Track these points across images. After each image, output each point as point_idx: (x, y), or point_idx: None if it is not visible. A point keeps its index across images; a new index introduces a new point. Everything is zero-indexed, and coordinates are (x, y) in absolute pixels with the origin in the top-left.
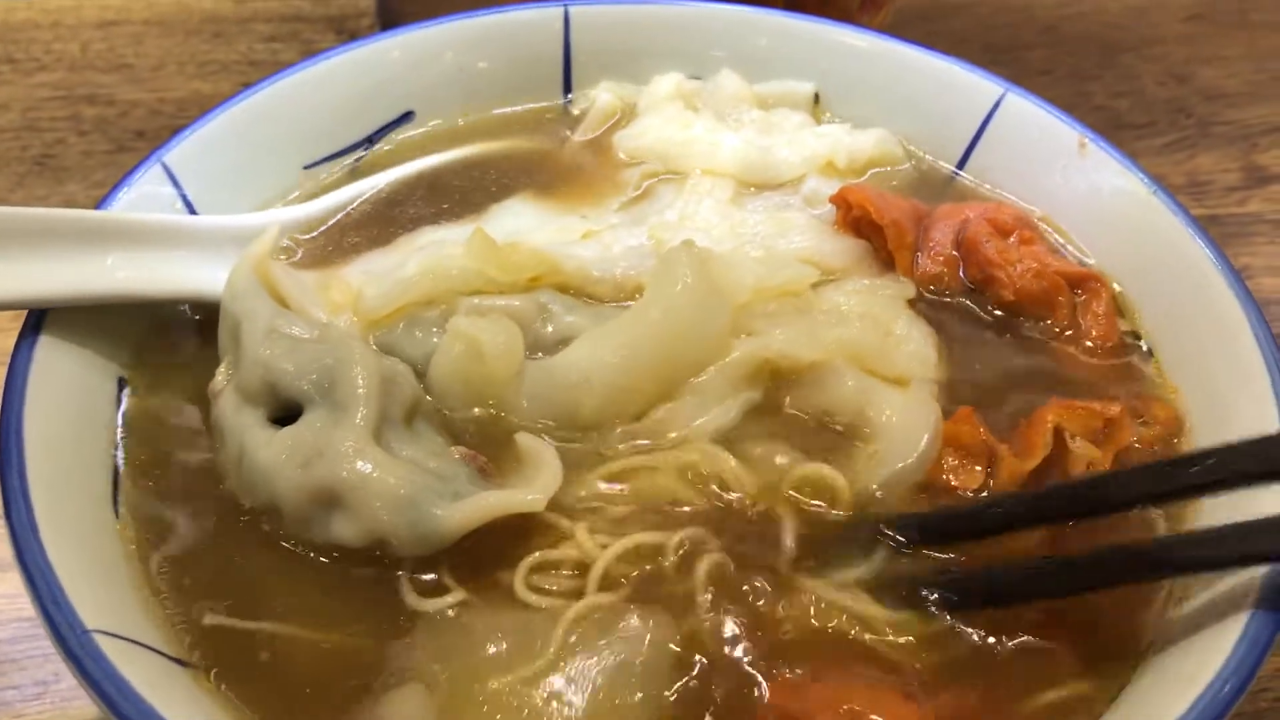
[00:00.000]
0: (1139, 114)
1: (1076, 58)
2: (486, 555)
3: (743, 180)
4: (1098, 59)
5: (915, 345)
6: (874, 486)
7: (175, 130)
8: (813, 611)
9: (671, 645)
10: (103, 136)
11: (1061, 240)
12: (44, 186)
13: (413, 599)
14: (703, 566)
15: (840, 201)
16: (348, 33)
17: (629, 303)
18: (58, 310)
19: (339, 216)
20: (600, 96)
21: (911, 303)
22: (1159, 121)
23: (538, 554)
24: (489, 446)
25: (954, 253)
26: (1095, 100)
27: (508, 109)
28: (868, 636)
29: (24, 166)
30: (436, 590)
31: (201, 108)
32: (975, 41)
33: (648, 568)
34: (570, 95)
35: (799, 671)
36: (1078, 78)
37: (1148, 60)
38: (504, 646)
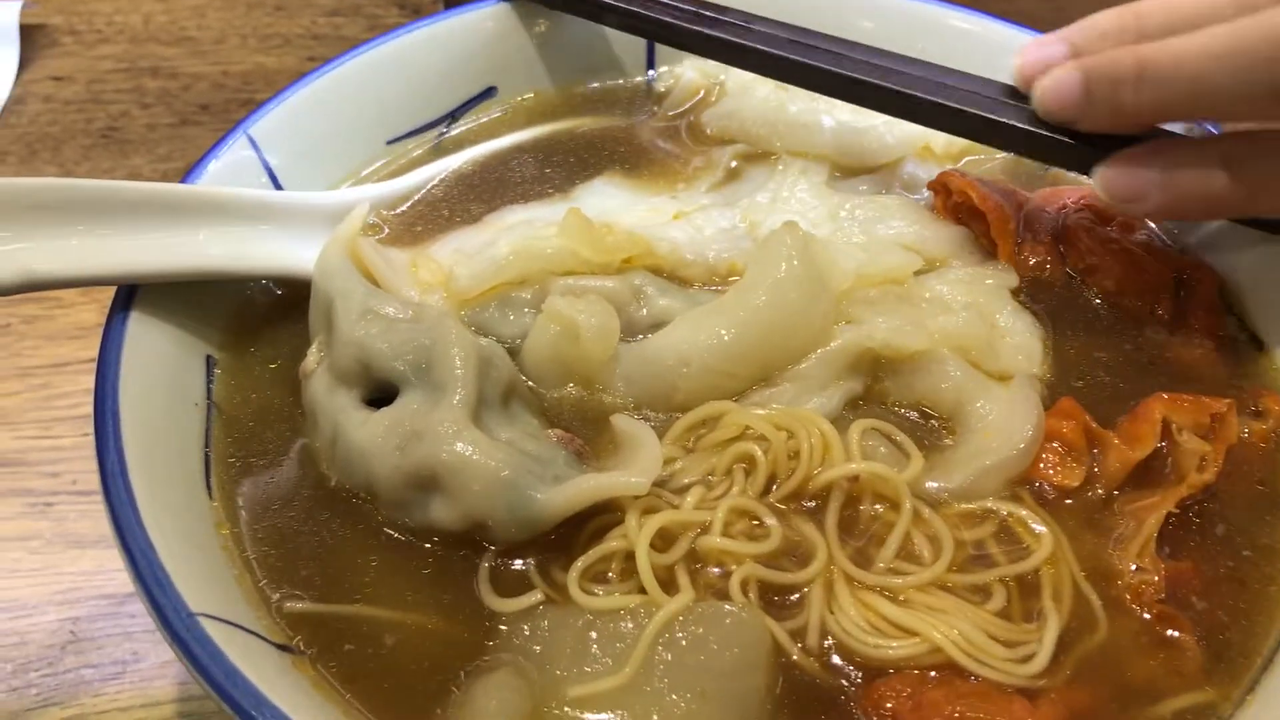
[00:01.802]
0: None
1: None
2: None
3: (837, 163)
4: None
5: (1020, 337)
6: (971, 479)
7: (240, 104)
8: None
9: (769, 649)
10: (166, 109)
11: (1160, 228)
12: (109, 159)
13: (503, 587)
14: (811, 564)
15: (940, 187)
16: (410, 7)
17: (721, 286)
18: (147, 288)
19: (424, 193)
20: (685, 74)
21: (1014, 292)
22: None
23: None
24: (583, 429)
25: (1055, 240)
26: None
27: (590, 85)
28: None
29: (89, 139)
30: (528, 579)
31: (266, 81)
32: (1046, 22)
33: (743, 559)
34: (654, 72)
35: (907, 673)
36: None
37: None
38: (598, 635)
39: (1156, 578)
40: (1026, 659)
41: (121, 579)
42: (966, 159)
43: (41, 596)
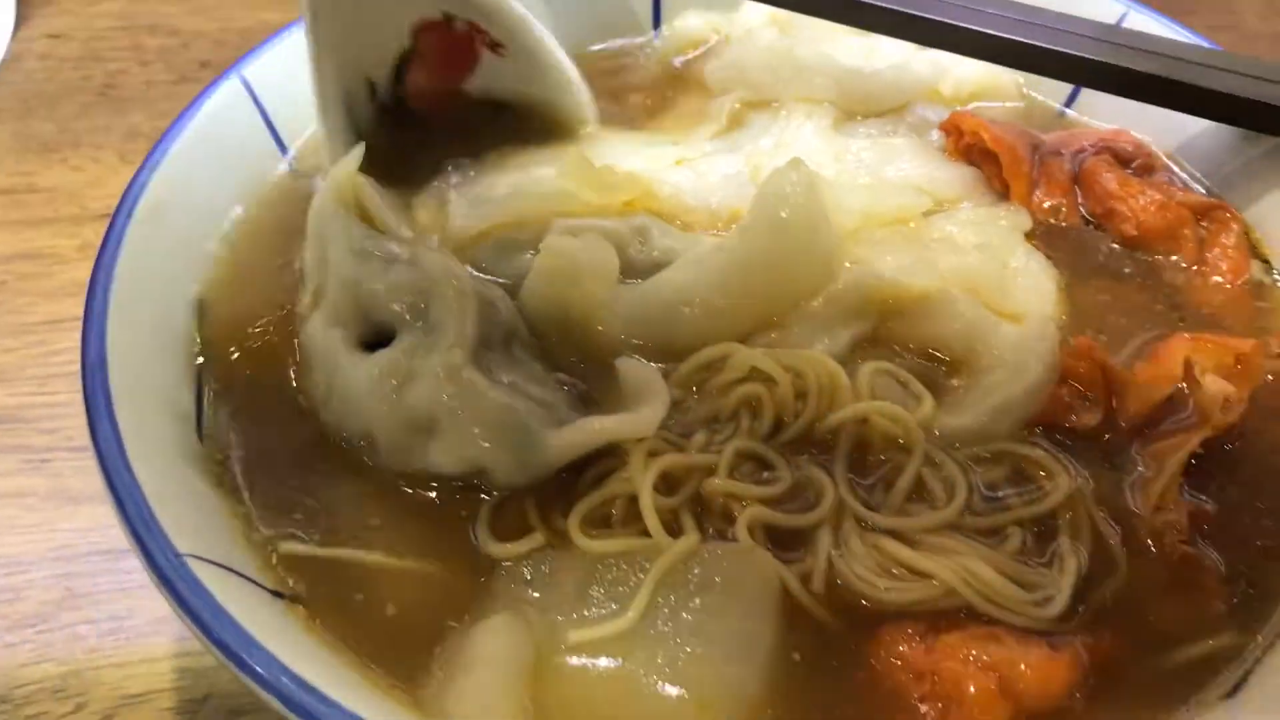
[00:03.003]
0: (1241, 50)
1: None
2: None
3: (843, 107)
4: None
5: (1033, 278)
6: (982, 420)
7: None
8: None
9: (777, 593)
10: (166, 67)
11: (1183, 169)
12: (107, 116)
13: (503, 533)
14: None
15: (952, 128)
16: None
17: (724, 232)
18: (133, 232)
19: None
20: (689, 22)
21: (1028, 235)
22: (1262, 58)
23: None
24: (585, 373)
25: (1072, 183)
26: None
27: (598, 46)
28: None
29: (87, 96)
30: (527, 524)
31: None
32: None
33: (750, 502)
34: (659, 29)
35: (920, 616)
36: (1172, 10)
37: None
38: (600, 579)
39: (1179, 519)
40: (1045, 602)
41: (117, 534)
42: (975, 105)
43: (37, 552)
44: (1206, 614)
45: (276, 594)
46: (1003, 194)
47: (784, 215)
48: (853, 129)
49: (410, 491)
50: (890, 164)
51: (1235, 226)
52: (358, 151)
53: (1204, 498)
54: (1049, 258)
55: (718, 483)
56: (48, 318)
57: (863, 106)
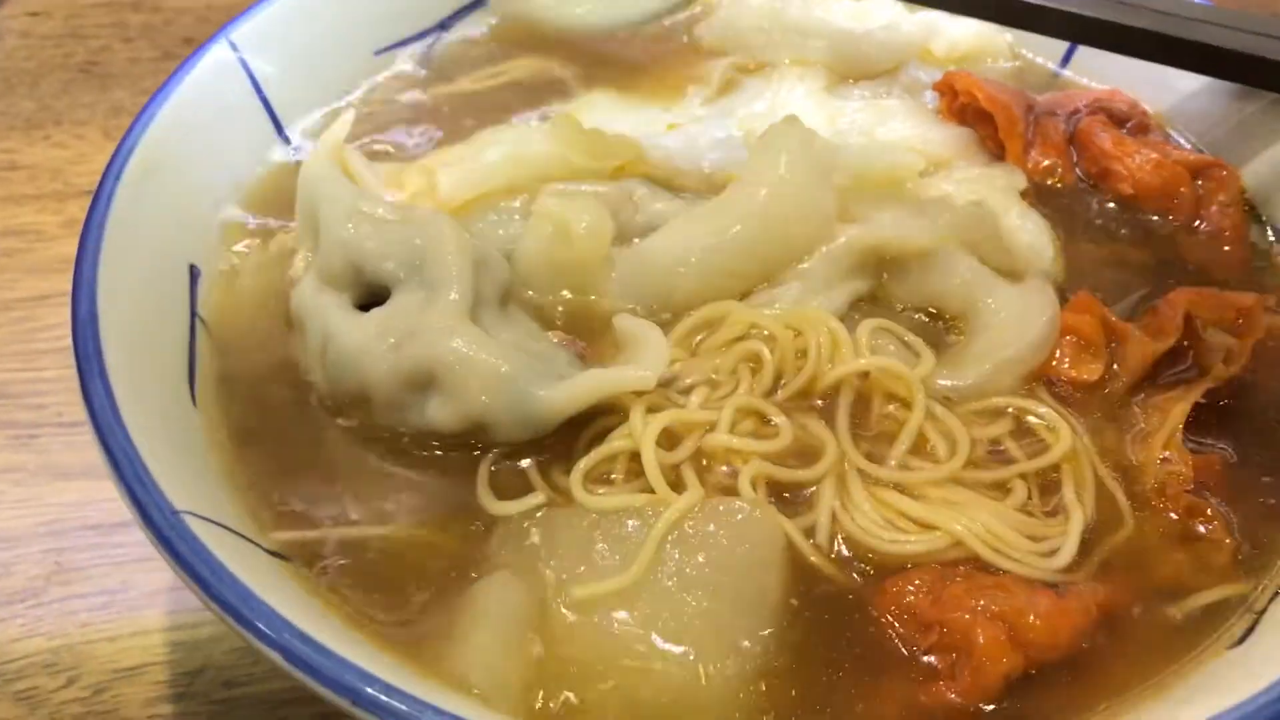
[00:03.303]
0: None
1: None
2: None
3: (835, 70)
4: None
5: (1031, 236)
6: (984, 375)
7: None
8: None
9: (781, 547)
10: (149, 44)
11: (1178, 129)
12: (90, 93)
13: (503, 491)
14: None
15: (946, 88)
16: None
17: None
18: (123, 194)
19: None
20: None
21: (1023, 194)
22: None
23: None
24: (581, 335)
25: (1067, 144)
26: None
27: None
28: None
29: (69, 73)
30: (528, 482)
31: None
32: None
33: (754, 456)
34: None
35: (926, 568)
36: None
37: None
38: (603, 535)
39: (1183, 470)
40: (1051, 553)
41: (108, 509)
42: (968, 65)
43: (26, 528)
44: (1213, 563)
45: (274, 554)
46: (997, 154)
47: (781, 171)
48: (846, 91)
49: (409, 451)
50: (884, 125)
51: (1232, 184)
52: (347, 118)
53: (1208, 446)
54: (1045, 216)
55: (720, 438)
56: (32, 294)
57: (855, 68)
